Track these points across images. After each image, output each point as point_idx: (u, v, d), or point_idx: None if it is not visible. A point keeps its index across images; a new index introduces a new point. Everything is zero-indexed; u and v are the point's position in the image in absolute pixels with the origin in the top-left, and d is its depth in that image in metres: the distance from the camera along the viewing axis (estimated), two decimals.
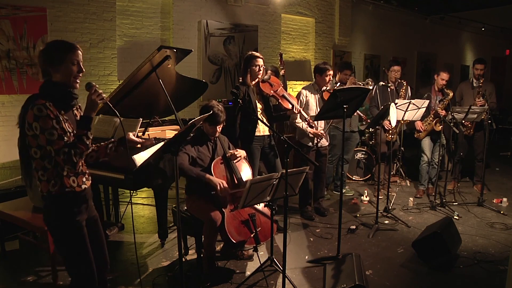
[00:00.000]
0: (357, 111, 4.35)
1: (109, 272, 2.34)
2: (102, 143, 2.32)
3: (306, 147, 4.26)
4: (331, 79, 4.23)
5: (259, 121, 3.70)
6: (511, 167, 7.07)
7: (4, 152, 4.60)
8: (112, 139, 2.33)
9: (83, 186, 2.12)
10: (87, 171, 2.21)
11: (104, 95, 2.02)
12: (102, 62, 5.46)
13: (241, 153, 3.32)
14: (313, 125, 4.06)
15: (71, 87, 2.04)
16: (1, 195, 3.70)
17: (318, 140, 4.22)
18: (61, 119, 1.97)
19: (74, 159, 1.94)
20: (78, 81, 2.06)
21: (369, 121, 4.88)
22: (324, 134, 4.26)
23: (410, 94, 5.16)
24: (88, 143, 1.99)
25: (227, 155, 3.23)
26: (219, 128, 3.23)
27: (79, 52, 2.04)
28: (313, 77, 4.30)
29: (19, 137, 2.01)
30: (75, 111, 2.15)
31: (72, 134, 2.00)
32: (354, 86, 4.07)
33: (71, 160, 1.93)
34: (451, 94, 4.90)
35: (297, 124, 4.17)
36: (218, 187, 2.98)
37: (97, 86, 2.03)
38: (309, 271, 3.25)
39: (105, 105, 3.60)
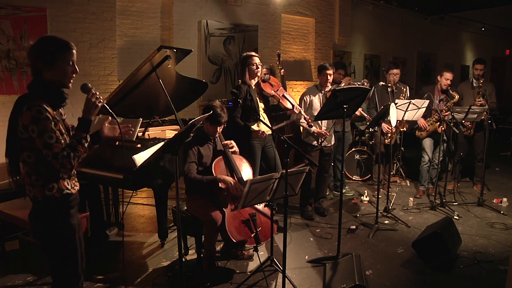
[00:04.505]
0: (362, 112, 4.34)
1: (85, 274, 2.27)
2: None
3: (310, 146, 4.27)
4: (329, 78, 4.22)
5: (260, 121, 3.71)
6: (511, 167, 7.07)
7: (4, 152, 4.60)
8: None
9: (76, 188, 2.05)
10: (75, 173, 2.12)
11: (100, 97, 1.96)
12: (102, 62, 5.45)
13: (234, 144, 3.37)
14: (313, 125, 4.06)
15: (64, 86, 1.96)
16: (1, 195, 3.69)
17: (323, 139, 4.23)
18: (57, 119, 1.89)
19: (72, 162, 1.84)
20: (71, 81, 1.99)
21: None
22: (329, 134, 4.27)
23: (408, 95, 5.12)
24: (87, 146, 1.92)
25: (222, 143, 3.28)
26: (219, 129, 3.24)
27: (74, 51, 1.95)
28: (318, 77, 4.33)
29: (7, 140, 1.93)
30: (61, 110, 2.03)
31: (66, 135, 1.93)
32: (353, 86, 4.07)
33: (69, 163, 1.83)
34: (457, 97, 4.84)
35: (302, 123, 4.17)
36: (231, 186, 3.01)
37: (93, 88, 1.97)
38: (309, 271, 3.25)
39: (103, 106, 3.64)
